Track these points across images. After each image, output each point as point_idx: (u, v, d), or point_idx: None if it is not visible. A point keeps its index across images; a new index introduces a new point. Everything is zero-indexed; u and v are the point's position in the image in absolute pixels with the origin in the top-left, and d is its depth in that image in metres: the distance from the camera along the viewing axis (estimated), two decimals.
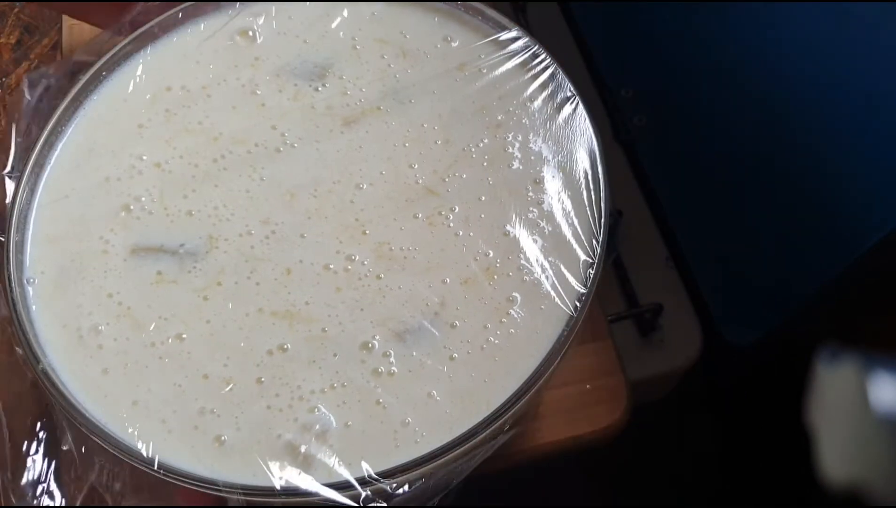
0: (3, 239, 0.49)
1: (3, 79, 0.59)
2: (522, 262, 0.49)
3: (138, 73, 0.54)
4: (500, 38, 0.56)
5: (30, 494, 0.48)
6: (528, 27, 0.92)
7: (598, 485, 0.90)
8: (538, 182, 0.51)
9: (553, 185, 0.51)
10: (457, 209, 0.51)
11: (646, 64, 0.91)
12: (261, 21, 0.56)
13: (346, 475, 0.44)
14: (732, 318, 0.82)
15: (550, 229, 0.50)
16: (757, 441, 0.93)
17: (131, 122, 0.53)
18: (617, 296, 0.83)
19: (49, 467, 0.49)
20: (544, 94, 0.54)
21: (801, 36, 0.69)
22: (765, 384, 0.85)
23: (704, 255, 0.84)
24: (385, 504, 0.44)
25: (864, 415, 0.34)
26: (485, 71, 0.55)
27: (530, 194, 0.51)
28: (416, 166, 0.52)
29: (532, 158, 0.52)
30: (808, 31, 0.68)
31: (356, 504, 0.43)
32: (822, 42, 0.68)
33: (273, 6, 0.57)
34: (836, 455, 0.35)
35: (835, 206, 0.69)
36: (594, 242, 0.50)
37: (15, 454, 0.55)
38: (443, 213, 0.51)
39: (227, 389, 0.46)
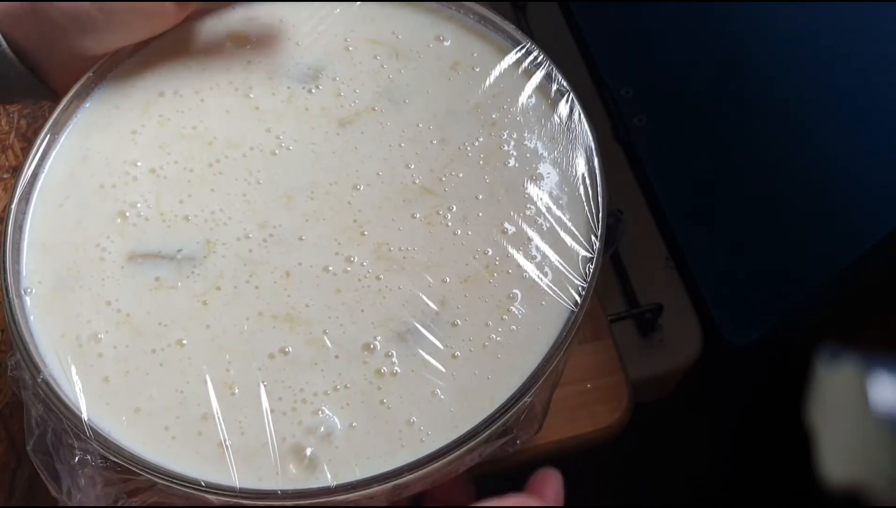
0: None
1: None
2: (522, 259, 0.49)
3: (130, 79, 0.54)
4: (493, 37, 0.56)
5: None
6: (528, 27, 0.92)
7: (598, 485, 0.90)
8: (535, 179, 0.51)
9: (550, 181, 0.51)
10: (454, 208, 0.51)
11: (646, 64, 0.91)
12: (252, 24, 0.56)
13: (352, 476, 0.43)
14: (732, 318, 0.82)
15: (548, 225, 0.50)
16: (757, 441, 0.93)
17: (125, 128, 0.52)
18: (617, 296, 0.83)
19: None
20: (538, 91, 0.54)
21: (801, 35, 0.70)
22: (765, 384, 0.85)
23: (704, 255, 0.84)
24: None
25: (864, 415, 0.34)
26: (478, 70, 0.55)
27: (527, 191, 0.51)
28: (413, 166, 0.52)
29: (528, 155, 0.52)
30: (807, 31, 0.69)
31: None
32: (822, 41, 0.68)
33: (263, 9, 0.56)
34: (836, 455, 0.35)
35: (835, 205, 0.70)
36: (592, 236, 0.49)
37: (16, 454, 0.55)
38: (441, 212, 0.50)
39: (230, 394, 0.45)
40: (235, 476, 0.43)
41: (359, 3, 0.57)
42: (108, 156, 0.52)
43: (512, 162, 0.52)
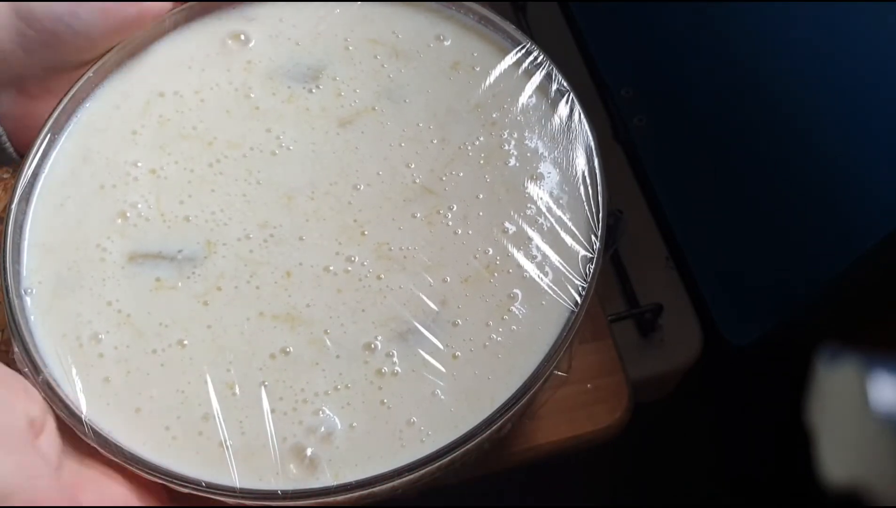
0: None
1: None
2: (522, 258, 0.49)
3: (130, 79, 0.54)
4: (493, 37, 0.56)
5: None
6: (528, 27, 0.92)
7: (598, 485, 0.90)
8: (535, 178, 0.51)
9: (550, 181, 0.51)
10: (455, 208, 0.51)
11: (646, 64, 0.91)
12: (252, 24, 0.56)
13: (353, 476, 0.43)
14: (732, 318, 0.82)
15: (549, 225, 0.50)
16: (757, 442, 0.93)
17: (125, 128, 0.52)
18: (617, 296, 0.82)
19: None
20: (538, 90, 0.54)
21: (801, 35, 0.69)
22: (765, 384, 0.85)
23: (704, 255, 0.84)
24: None
25: (864, 415, 0.34)
26: (478, 69, 0.55)
27: (528, 190, 0.51)
28: (413, 166, 0.52)
29: (528, 154, 0.52)
30: (807, 31, 0.69)
31: None
32: (822, 42, 0.68)
33: (263, 9, 0.56)
34: (836, 455, 0.35)
35: (835, 205, 0.69)
36: (592, 236, 0.49)
37: None
38: (441, 211, 0.50)
39: (231, 394, 0.45)
40: (236, 476, 0.43)
41: (359, 3, 0.57)
42: (109, 156, 0.52)
43: (512, 162, 0.52)
